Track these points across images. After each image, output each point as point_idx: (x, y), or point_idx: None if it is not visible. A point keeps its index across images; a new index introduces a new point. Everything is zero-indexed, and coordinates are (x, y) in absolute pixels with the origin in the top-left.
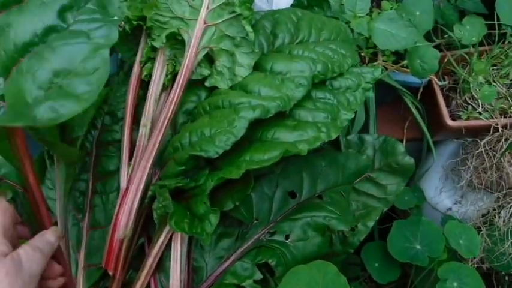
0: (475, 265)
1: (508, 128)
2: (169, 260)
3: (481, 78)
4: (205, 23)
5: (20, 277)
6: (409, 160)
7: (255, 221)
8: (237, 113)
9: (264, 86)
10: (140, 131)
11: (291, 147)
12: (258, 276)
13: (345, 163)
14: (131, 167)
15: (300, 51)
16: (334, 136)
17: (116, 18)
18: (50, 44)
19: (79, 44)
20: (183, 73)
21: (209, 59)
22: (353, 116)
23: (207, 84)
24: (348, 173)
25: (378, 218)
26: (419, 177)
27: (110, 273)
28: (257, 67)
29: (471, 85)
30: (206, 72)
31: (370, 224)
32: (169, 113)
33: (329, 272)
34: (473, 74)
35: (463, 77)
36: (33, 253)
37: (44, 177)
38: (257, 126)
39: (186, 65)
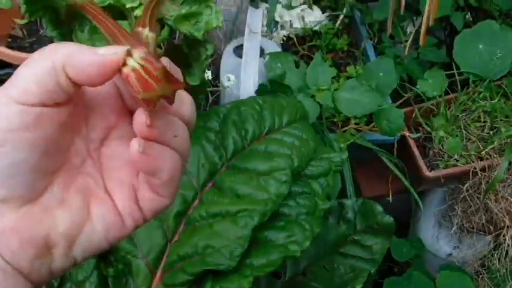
0: None
1: (487, 170)
2: None
3: (442, 133)
4: None
5: None
6: (389, 219)
7: None
8: (239, 223)
9: (254, 189)
10: None
11: (285, 250)
12: None
13: (325, 236)
14: None
15: (274, 147)
16: (317, 230)
17: None
18: None
19: None
20: None
21: None
22: (329, 205)
23: None
24: (329, 245)
25: (365, 279)
26: (414, 228)
27: None
28: (240, 168)
29: (434, 140)
30: None
31: (359, 286)
32: None
33: None
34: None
35: (431, 130)
36: None
37: None
38: None
39: None
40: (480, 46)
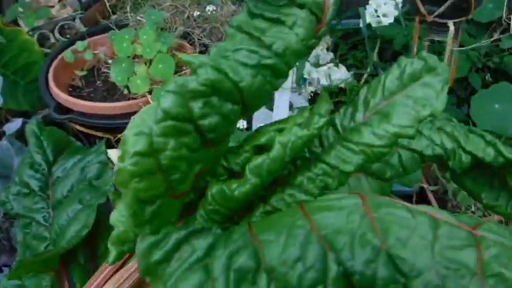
0: None
1: (503, 223)
2: None
3: (455, 184)
4: None
5: None
6: None
7: None
8: None
9: None
10: None
11: None
12: None
13: None
14: None
15: None
16: None
17: None
18: None
19: None
20: None
21: None
22: None
23: None
24: None
25: None
26: None
27: None
28: None
29: (448, 191)
30: None
31: None
32: None
33: None
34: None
35: (446, 182)
36: None
37: None
38: None
39: None
40: (496, 106)
